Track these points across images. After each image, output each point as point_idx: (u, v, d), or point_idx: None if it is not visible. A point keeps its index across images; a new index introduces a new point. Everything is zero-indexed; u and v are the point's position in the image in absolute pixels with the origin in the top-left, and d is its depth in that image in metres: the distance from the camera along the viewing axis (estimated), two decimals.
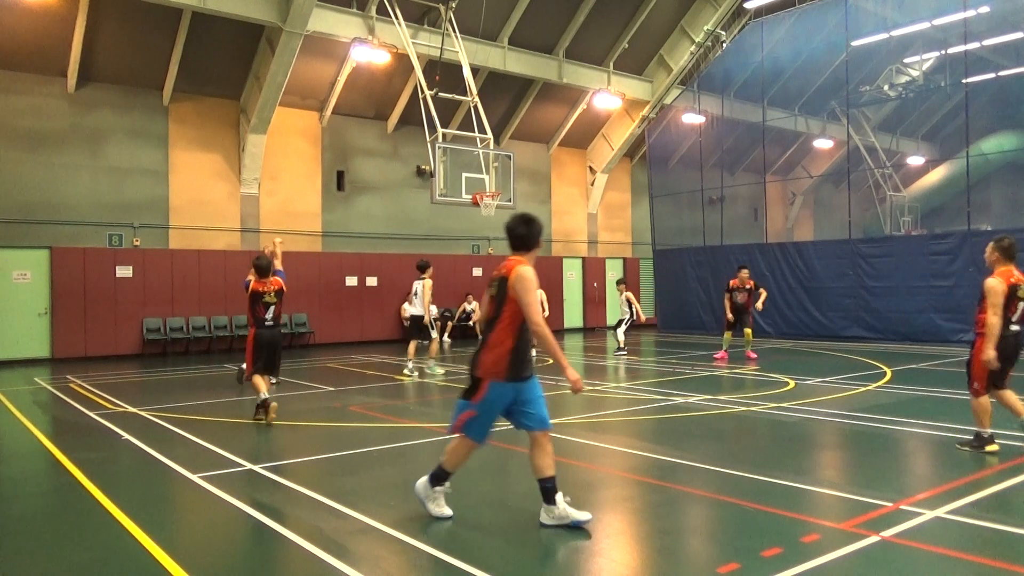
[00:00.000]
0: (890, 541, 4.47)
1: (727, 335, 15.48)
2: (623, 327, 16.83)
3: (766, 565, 4.10)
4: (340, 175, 20.71)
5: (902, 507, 5.09)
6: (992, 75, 20.57)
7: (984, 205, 23.02)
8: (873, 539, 4.48)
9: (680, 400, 9.92)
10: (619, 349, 16.43)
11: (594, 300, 25.24)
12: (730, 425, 8.46)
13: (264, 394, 8.51)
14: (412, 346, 13.27)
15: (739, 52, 22.41)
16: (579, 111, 23.82)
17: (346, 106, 20.28)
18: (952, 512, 4.98)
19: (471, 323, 20.97)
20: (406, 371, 13.07)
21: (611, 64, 23.00)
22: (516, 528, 5.04)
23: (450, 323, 20.98)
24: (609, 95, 22.84)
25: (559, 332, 23.88)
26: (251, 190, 19.02)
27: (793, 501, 5.44)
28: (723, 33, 23.25)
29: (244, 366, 9.69)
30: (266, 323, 8.87)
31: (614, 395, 10.72)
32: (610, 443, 7.43)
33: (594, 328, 24.99)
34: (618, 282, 17.66)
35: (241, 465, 6.60)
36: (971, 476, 5.87)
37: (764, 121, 21.59)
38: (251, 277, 8.95)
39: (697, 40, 22.99)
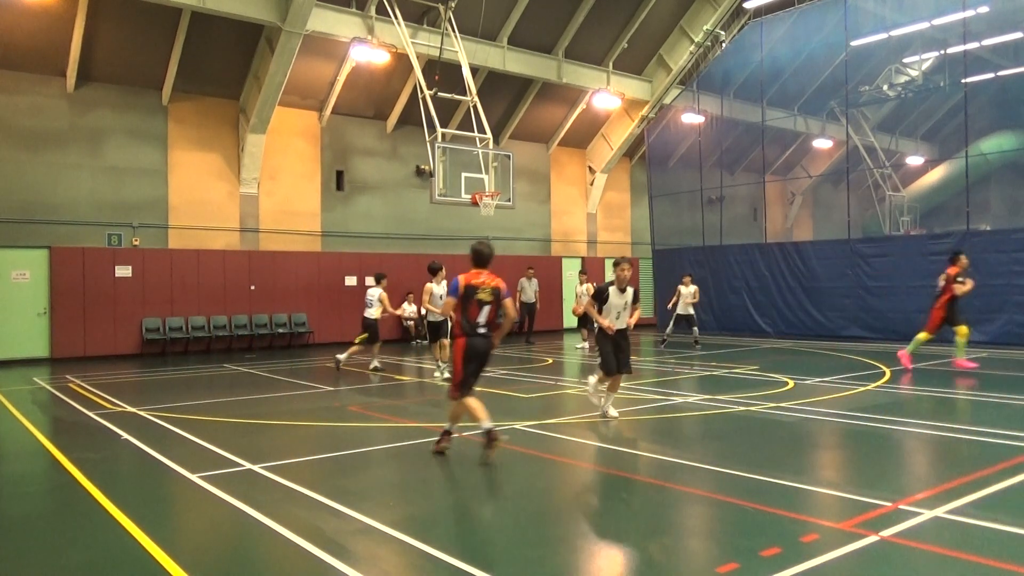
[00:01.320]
0: (889, 541, 4.48)
1: (924, 336, 12.75)
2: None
3: (765, 565, 4.10)
4: (339, 175, 20.70)
5: (901, 507, 5.10)
6: (991, 75, 20.58)
7: (983, 205, 23.03)
8: (872, 539, 4.48)
9: (679, 400, 9.92)
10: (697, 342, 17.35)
11: None
12: (729, 425, 8.46)
13: (487, 422, 6.52)
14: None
15: (738, 52, 22.42)
16: (578, 111, 23.82)
17: (345, 106, 20.28)
18: (951, 512, 4.98)
19: None
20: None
21: (610, 64, 23.00)
22: (516, 527, 5.04)
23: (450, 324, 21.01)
24: (608, 95, 22.84)
25: (558, 332, 23.87)
26: (250, 190, 19.02)
27: (792, 501, 5.44)
28: (722, 33, 23.25)
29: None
30: (478, 329, 6.78)
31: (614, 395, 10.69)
32: (609, 443, 7.43)
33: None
34: (685, 275, 18.08)
35: (240, 465, 6.60)
36: (970, 476, 5.87)
37: (763, 121, 21.58)
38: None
39: (696, 40, 22.99)
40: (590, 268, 25.26)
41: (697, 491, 5.77)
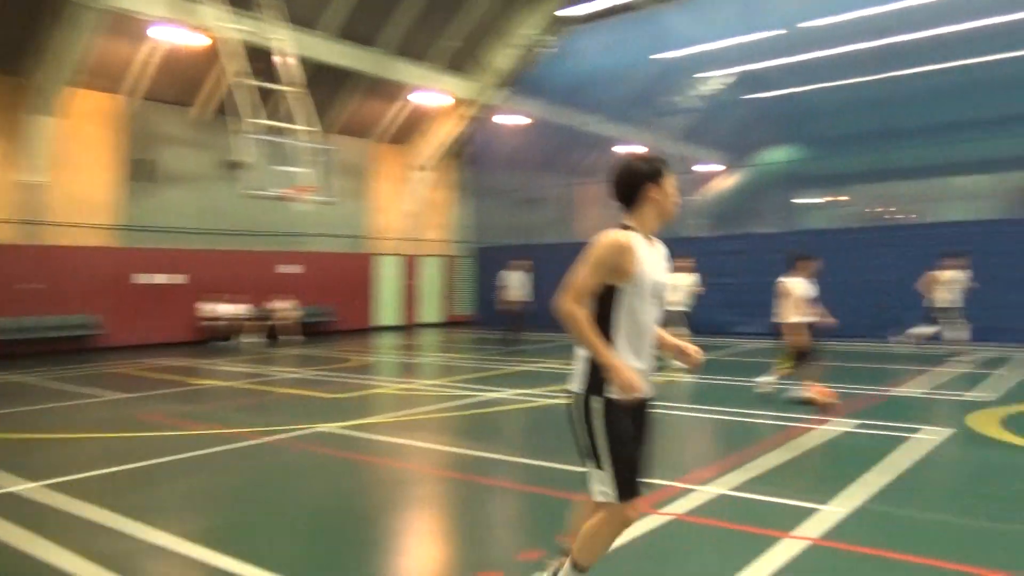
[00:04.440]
0: (677, 518, 4.83)
1: None
2: None
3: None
4: (143, 164, 19.14)
5: (687, 486, 5.51)
6: (777, 93, 22.71)
7: (765, 210, 25.45)
8: (664, 518, 4.81)
9: (492, 395, 10.12)
10: None
11: (412, 298, 25.18)
12: (538, 417, 8.76)
13: None
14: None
15: (559, 58, 23.32)
16: (403, 107, 23.65)
17: (153, 91, 18.76)
18: (732, 488, 5.46)
19: (271, 322, 19.95)
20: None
21: (436, 62, 23.03)
22: (322, 532, 4.91)
23: (263, 323, 19.96)
24: (433, 92, 22.86)
25: (365, 331, 23.59)
26: (36, 178, 17.10)
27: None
28: (545, 39, 24.02)
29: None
30: None
31: (425, 392, 10.75)
32: (420, 441, 7.44)
33: (412, 326, 24.93)
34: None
35: (6, 486, 5.92)
36: (746, 453, 6.47)
37: (579, 126, 22.62)
38: None
39: (520, 44, 23.60)
40: (410, 265, 25.18)
41: (506, 483, 5.92)
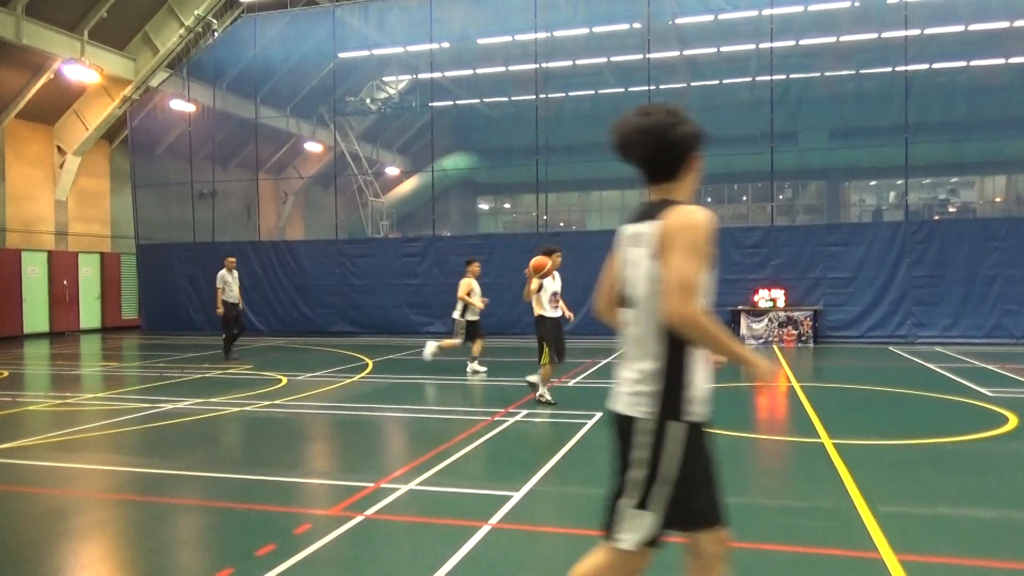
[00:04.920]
0: (372, 518, 4.99)
1: None
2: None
3: (261, 564, 4.20)
4: None
5: (382, 485, 5.71)
6: (451, 103, 23.99)
7: (445, 214, 26.78)
8: (358, 519, 4.94)
9: (169, 406, 9.39)
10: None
11: (64, 300, 22.10)
12: (223, 427, 8.34)
13: None
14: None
15: (232, 44, 22.03)
16: (44, 80, 20.55)
17: None
18: (422, 483, 5.77)
19: None
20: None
21: (86, 32, 20.39)
22: None
23: None
24: (83, 67, 20.19)
25: (16, 340, 20.32)
26: None
27: (286, 496, 5.65)
28: (215, 21, 22.55)
29: None
30: None
31: (90, 407, 9.61)
32: (86, 462, 6.68)
33: (64, 332, 21.90)
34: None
35: None
36: (436, 450, 6.87)
37: (257, 118, 21.66)
38: None
39: (187, 24, 21.87)
40: (60, 263, 22.07)
41: (188, 501, 5.59)
